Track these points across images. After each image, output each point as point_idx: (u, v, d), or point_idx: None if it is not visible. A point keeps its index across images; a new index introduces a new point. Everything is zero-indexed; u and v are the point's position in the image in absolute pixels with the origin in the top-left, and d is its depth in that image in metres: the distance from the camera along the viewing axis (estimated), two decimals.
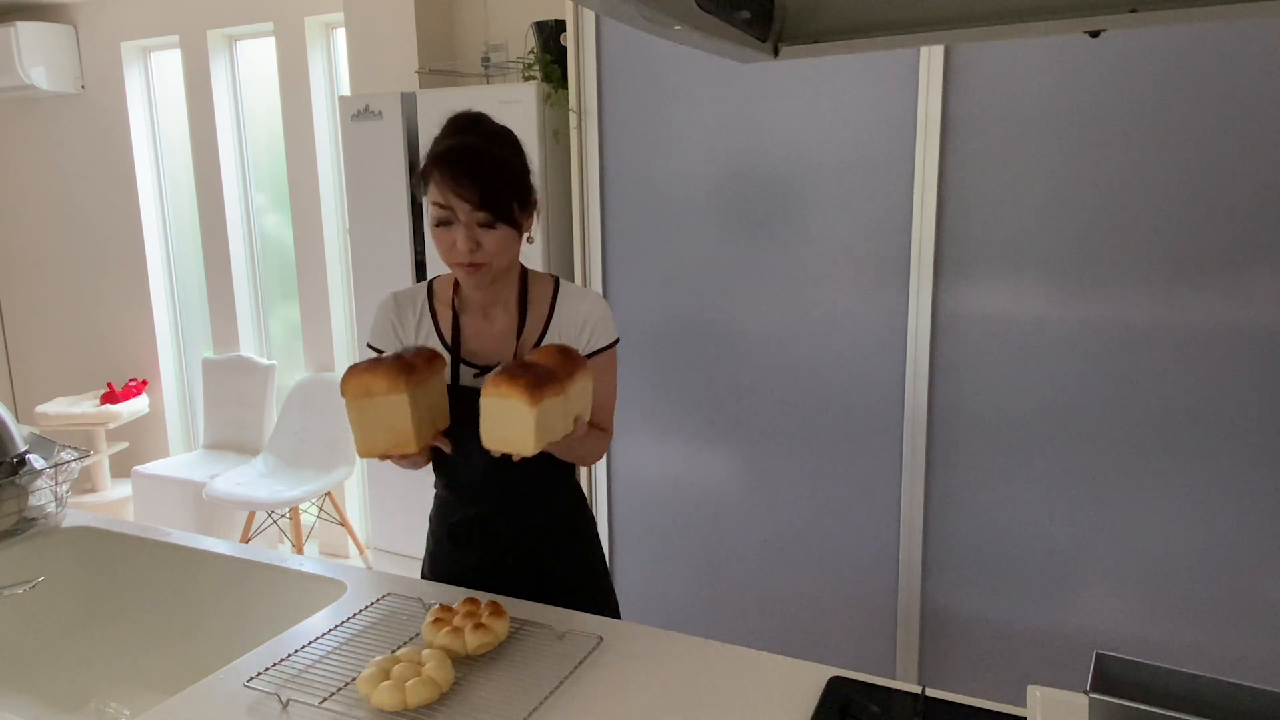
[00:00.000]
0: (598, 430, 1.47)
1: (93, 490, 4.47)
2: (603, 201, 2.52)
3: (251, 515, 3.73)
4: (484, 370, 1.45)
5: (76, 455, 1.80)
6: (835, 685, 1.18)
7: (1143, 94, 1.89)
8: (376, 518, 3.31)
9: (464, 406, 1.40)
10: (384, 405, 1.26)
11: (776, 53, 1.12)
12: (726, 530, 2.49)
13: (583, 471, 2.57)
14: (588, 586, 1.55)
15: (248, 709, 1.15)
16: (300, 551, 3.63)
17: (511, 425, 1.20)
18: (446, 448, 1.36)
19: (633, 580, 2.65)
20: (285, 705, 1.15)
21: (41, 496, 1.76)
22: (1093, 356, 2.00)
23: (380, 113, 2.99)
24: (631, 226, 2.50)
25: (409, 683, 1.11)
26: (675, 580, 2.59)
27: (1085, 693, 0.91)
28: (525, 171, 1.39)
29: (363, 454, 1.30)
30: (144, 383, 4.57)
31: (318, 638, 1.30)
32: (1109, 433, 2.01)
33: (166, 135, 4.46)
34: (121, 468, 4.53)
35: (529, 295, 1.47)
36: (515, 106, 2.70)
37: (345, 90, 3.69)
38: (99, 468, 4.46)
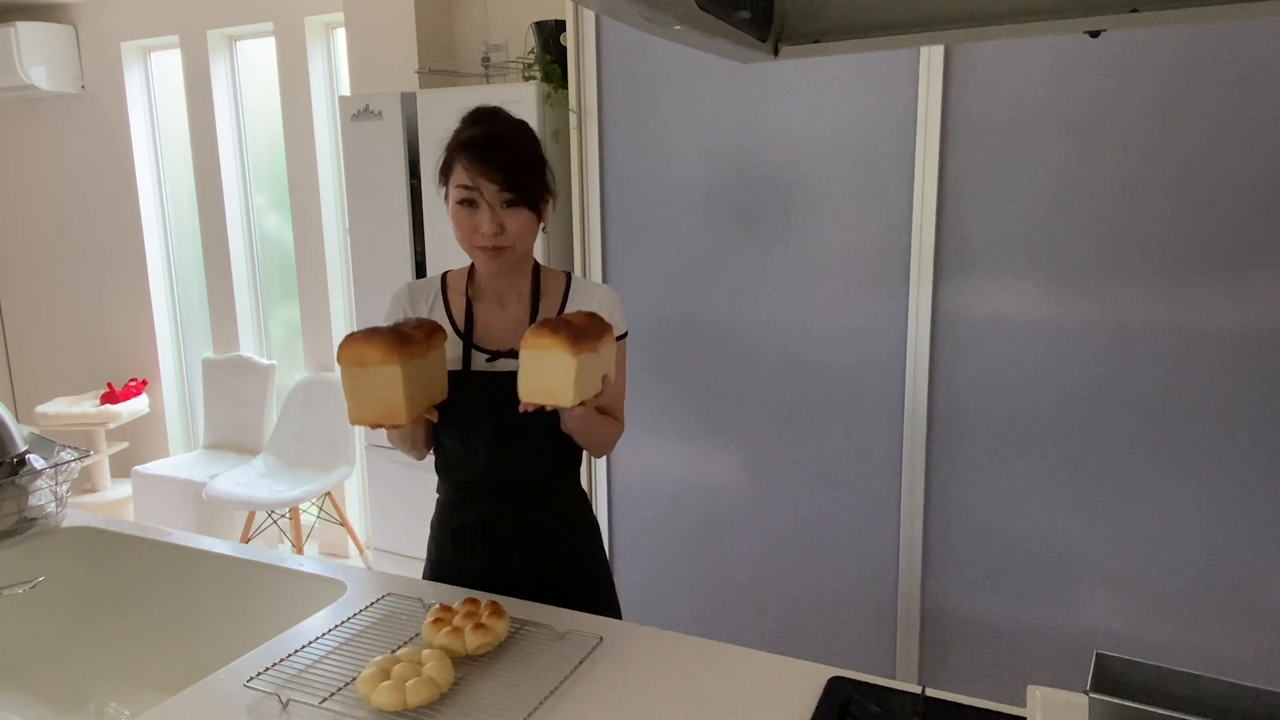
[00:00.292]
0: (611, 418, 1.49)
1: (93, 490, 4.47)
2: (603, 201, 2.52)
3: (251, 515, 3.73)
4: (495, 355, 1.46)
5: (76, 455, 1.80)
6: (835, 685, 1.18)
7: (1143, 94, 1.89)
8: (376, 518, 3.31)
9: (474, 391, 1.42)
10: (377, 375, 1.26)
11: (776, 53, 1.13)
12: (726, 530, 2.49)
13: (583, 471, 2.57)
14: (590, 590, 1.55)
15: (248, 709, 1.15)
16: (300, 551, 3.63)
17: (551, 377, 1.21)
18: (434, 417, 1.37)
19: (633, 580, 2.65)
20: (285, 705, 1.15)
21: (41, 496, 1.76)
22: (1093, 356, 2.00)
23: (380, 113, 2.99)
24: (631, 226, 2.50)
25: (409, 683, 1.11)
26: (675, 580, 2.59)
27: (1085, 693, 0.91)
28: (545, 161, 1.44)
29: (354, 422, 1.31)
30: (144, 383, 4.57)
31: (318, 638, 1.30)
32: (1109, 433, 2.01)
33: (166, 135, 4.46)
34: (121, 468, 4.53)
35: (541, 286, 1.50)
36: (515, 106, 2.66)
37: (345, 90, 3.69)
38: (99, 468, 4.46)
